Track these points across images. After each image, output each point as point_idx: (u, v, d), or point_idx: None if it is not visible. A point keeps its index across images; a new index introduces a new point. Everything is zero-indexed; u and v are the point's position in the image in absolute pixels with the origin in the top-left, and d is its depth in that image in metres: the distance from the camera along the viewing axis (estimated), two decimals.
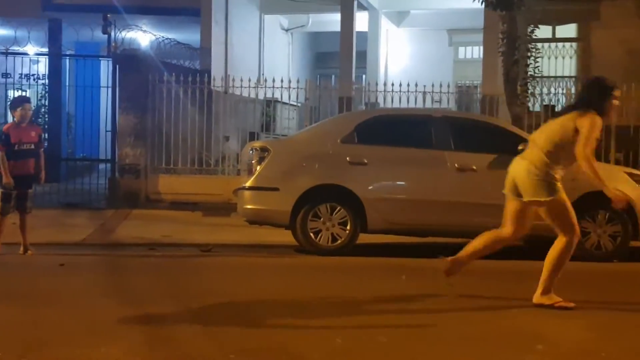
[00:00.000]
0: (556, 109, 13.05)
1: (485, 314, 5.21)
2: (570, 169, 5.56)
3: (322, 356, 4.07)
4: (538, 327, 4.80)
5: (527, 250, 8.73)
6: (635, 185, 8.23)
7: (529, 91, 12.81)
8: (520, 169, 5.49)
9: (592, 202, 8.05)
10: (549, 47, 14.58)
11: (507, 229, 5.63)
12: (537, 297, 5.41)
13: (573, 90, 13.51)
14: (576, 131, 5.31)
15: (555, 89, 13.47)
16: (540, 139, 5.51)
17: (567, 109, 5.62)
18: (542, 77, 13.46)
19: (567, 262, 5.42)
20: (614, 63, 13.76)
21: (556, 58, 14.54)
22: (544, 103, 13.28)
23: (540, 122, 12.87)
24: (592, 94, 5.46)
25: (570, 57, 14.78)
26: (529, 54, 12.43)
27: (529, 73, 12.70)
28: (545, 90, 13.43)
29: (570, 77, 14.62)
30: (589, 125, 5.24)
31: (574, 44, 14.91)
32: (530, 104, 13.20)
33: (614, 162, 11.83)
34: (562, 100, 13.14)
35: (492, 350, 4.25)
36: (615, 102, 5.48)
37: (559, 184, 5.39)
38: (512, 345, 4.34)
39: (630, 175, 8.44)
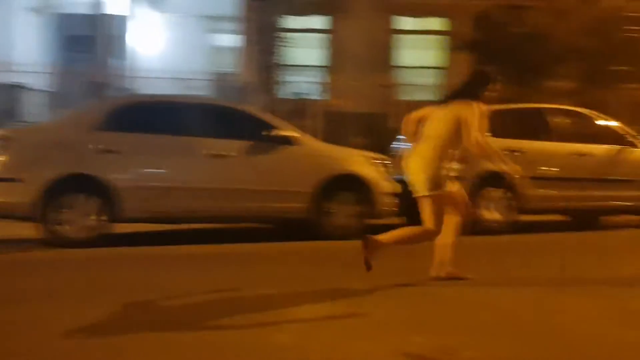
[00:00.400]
0: (307, 97, 13.77)
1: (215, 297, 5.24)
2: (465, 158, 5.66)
3: None
4: (283, 306, 4.95)
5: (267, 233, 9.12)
6: (375, 168, 8.89)
7: (281, 79, 13.32)
8: (411, 166, 5.60)
9: (337, 184, 8.62)
10: (300, 37, 15.24)
11: (427, 224, 5.61)
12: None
13: (322, 79, 14.27)
14: (459, 121, 5.45)
15: (306, 78, 14.13)
16: (431, 136, 5.57)
17: (446, 99, 5.72)
18: (293, 66, 14.05)
19: (406, 244, 5.61)
20: (359, 53, 14.76)
21: (307, 48, 15.24)
22: (296, 91, 13.89)
23: (292, 109, 13.54)
24: (471, 83, 5.67)
25: (320, 48, 15.58)
26: (281, 44, 12.90)
27: (282, 62, 13.21)
28: (297, 78, 14.03)
29: (320, 66, 15.42)
30: (472, 114, 5.38)
31: (323, 35, 15.73)
32: (282, 92, 13.73)
33: (357, 146, 12.67)
34: (313, 89, 13.83)
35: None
36: (492, 94, 5.66)
37: (446, 180, 5.51)
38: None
39: (371, 158, 9.09)
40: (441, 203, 5.51)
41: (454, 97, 5.66)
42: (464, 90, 5.68)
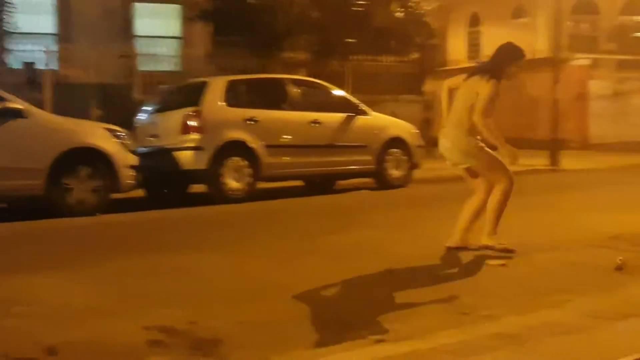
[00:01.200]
0: (37, 67, 12.93)
1: None
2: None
3: None
4: (18, 289, 4.70)
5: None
6: (115, 141, 8.63)
7: (7, 48, 12.42)
8: (445, 143, 5.70)
9: (74, 158, 8.25)
10: (28, 3, 14.25)
11: (478, 194, 5.69)
12: (484, 239, 5.62)
13: (53, 47, 13.50)
14: (475, 96, 5.48)
15: (36, 46, 13.22)
16: (457, 108, 5.64)
17: (473, 73, 5.69)
18: (21, 33, 13.13)
19: (506, 205, 5.61)
20: (93, 21, 14.17)
21: (36, 14, 14.28)
22: (25, 60, 13.00)
23: (22, 80, 12.63)
24: (496, 58, 5.66)
25: (52, 14, 14.68)
26: (3, 9, 12.01)
27: (5, 29, 12.31)
28: (25, 47, 13.13)
29: (51, 34, 14.54)
30: (487, 92, 5.44)
31: (54, 1, 14.84)
32: (10, 62, 12.81)
33: (95, 118, 12.22)
34: (43, 58, 13.00)
35: None
36: (516, 70, 5.64)
37: (479, 146, 5.56)
38: None
39: (110, 130, 8.82)
40: (485, 163, 5.61)
41: (477, 72, 5.71)
42: (487, 65, 5.77)
